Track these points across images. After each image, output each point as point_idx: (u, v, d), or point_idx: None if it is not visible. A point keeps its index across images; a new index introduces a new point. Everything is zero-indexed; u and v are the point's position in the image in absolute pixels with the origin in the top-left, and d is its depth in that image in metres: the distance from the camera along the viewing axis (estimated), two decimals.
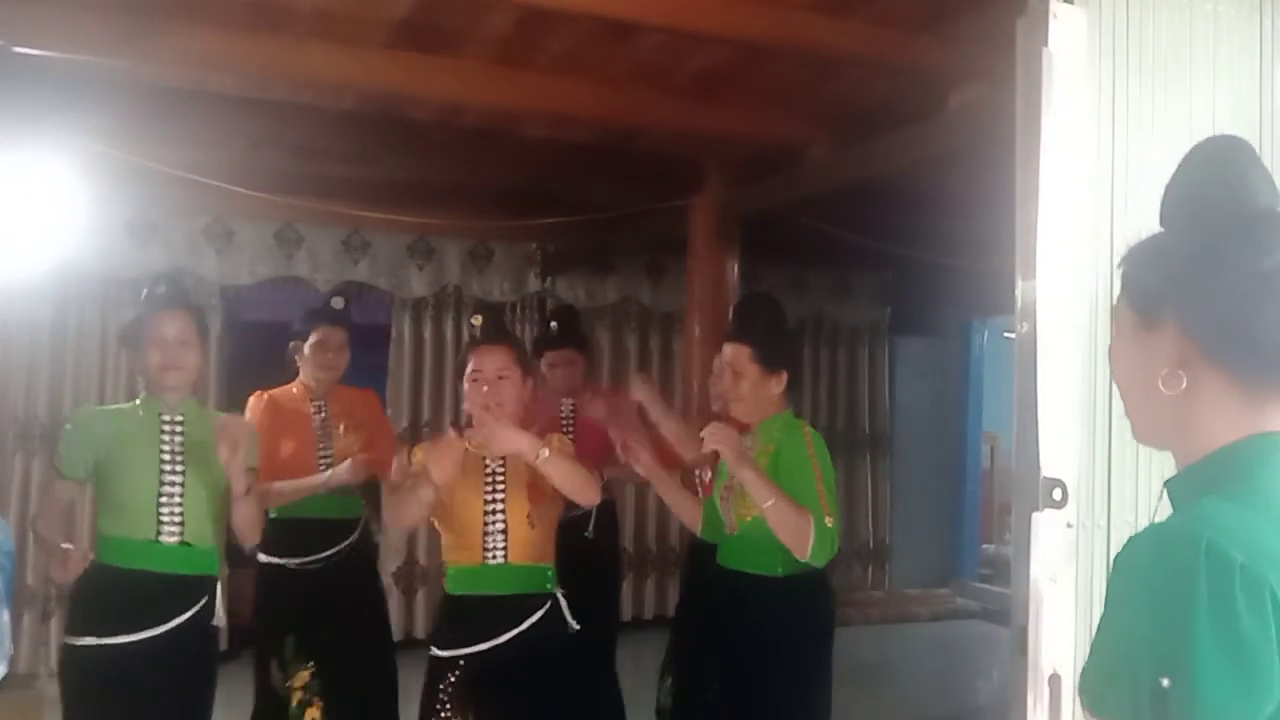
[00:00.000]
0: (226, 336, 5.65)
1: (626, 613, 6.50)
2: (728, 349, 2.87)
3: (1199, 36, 1.94)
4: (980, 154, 2.91)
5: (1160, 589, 0.93)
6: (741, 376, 2.83)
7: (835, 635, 2.84)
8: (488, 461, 2.68)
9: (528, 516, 2.65)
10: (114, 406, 3.03)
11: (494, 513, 2.64)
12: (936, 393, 7.74)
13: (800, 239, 5.62)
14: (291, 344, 3.71)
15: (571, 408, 4.03)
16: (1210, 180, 1.06)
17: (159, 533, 2.69)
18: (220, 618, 2.79)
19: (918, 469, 7.55)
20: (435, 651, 2.66)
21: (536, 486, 2.66)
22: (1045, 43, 1.79)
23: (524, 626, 2.61)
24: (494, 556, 2.63)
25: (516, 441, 2.56)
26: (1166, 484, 1.09)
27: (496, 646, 2.59)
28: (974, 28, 3.04)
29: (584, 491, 2.65)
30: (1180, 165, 1.10)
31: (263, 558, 3.60)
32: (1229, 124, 1.97)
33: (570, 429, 3.97)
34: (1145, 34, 1.89)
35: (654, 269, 6.66)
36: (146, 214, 5.37)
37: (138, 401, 2.85)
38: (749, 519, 2.77)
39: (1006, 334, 6.85)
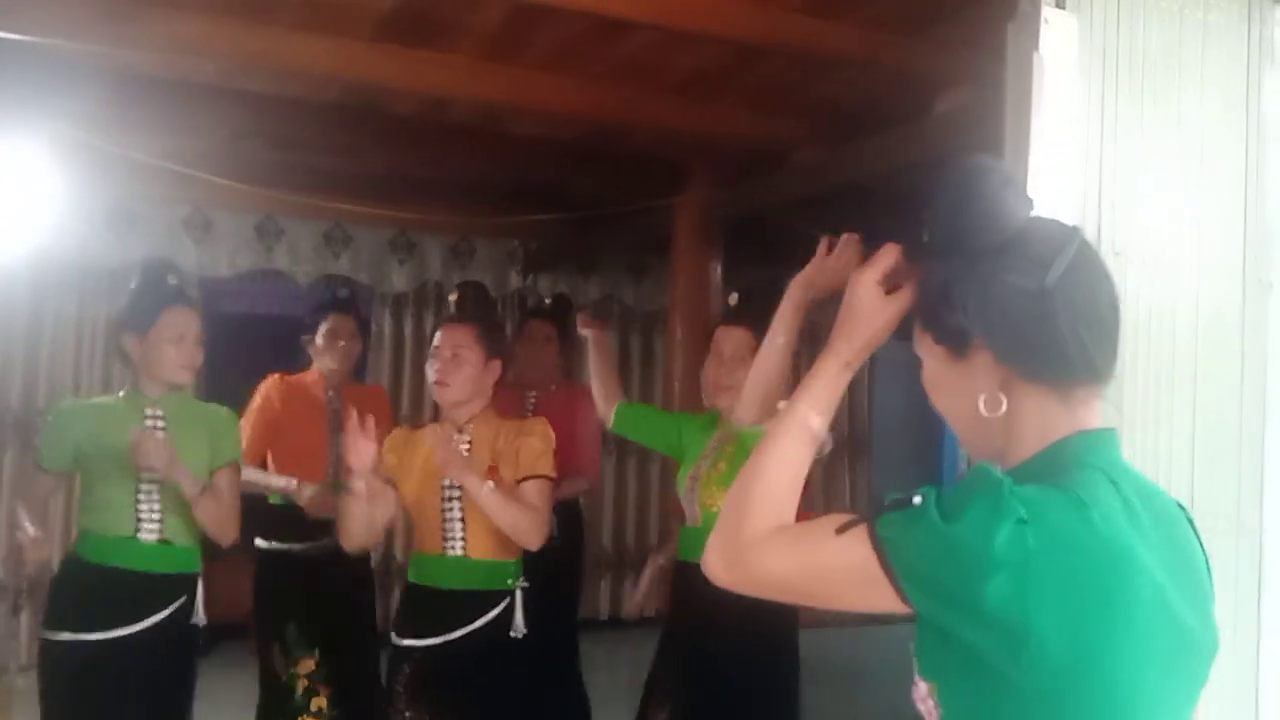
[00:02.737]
0: (205, 329, 5.58)
1: (604, 613, 6.50)
2: (731, 332, 2.83)
3: (1189, 44, 1.94)
4: (966, 158, 2.91)
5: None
6: (741, 361, 2.79)
7: (803, 631, 2.82)
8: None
9: None
10: (96, 400, 2.98)
11: (451, 500, 2.59)
12: (916, 395, 7.71)
13: (783, 240, 5.62)
14: (304, 337, 3.72)
15: (534, 401, 3.93)
16: (970, 207, 1.09)
17: (137, 530, 2.67)
18: (200, 617, 2.75)
19: (897, 472, 7.57)
20: (393, 639, 2.63)
21: (496, 473, 2.58)
22: (1036, 47, 1.79)
23: (477, 624, 2.55)
24: (453, 548, 2.58)
25: (461, 474, 2.47)
26: None
27: (448, 642, 2.54)
28: (962, 32, 3.04)
29: (527, 535, 2.56)
30: (934, 194, 1.12)
31: (261, 544, 3.59)
32: (1217, 130, 1.98)
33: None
34: (1135, 41, 1.90)
35: (636, 268, 6.65)
36: (125, 203, 5.30)
37: (121, 394, 2.81)
38: (715, 509, 2.76)
39: None
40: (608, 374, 3.21)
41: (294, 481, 3.48)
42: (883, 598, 1.01)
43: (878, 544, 1.00)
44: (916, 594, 0.99)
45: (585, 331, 3.39)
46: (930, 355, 1.15)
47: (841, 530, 1.02)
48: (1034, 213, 1.10)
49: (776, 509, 1.11)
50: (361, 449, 2.44)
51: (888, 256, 1.19)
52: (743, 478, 1.14)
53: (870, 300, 1.19)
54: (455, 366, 2.61)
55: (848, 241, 2.51)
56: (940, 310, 1.10)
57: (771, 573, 1.07)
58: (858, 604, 1.04)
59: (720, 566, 1.11)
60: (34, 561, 2.59)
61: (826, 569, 1.04)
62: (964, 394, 1.11)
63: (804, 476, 1.14)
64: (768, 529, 1.08)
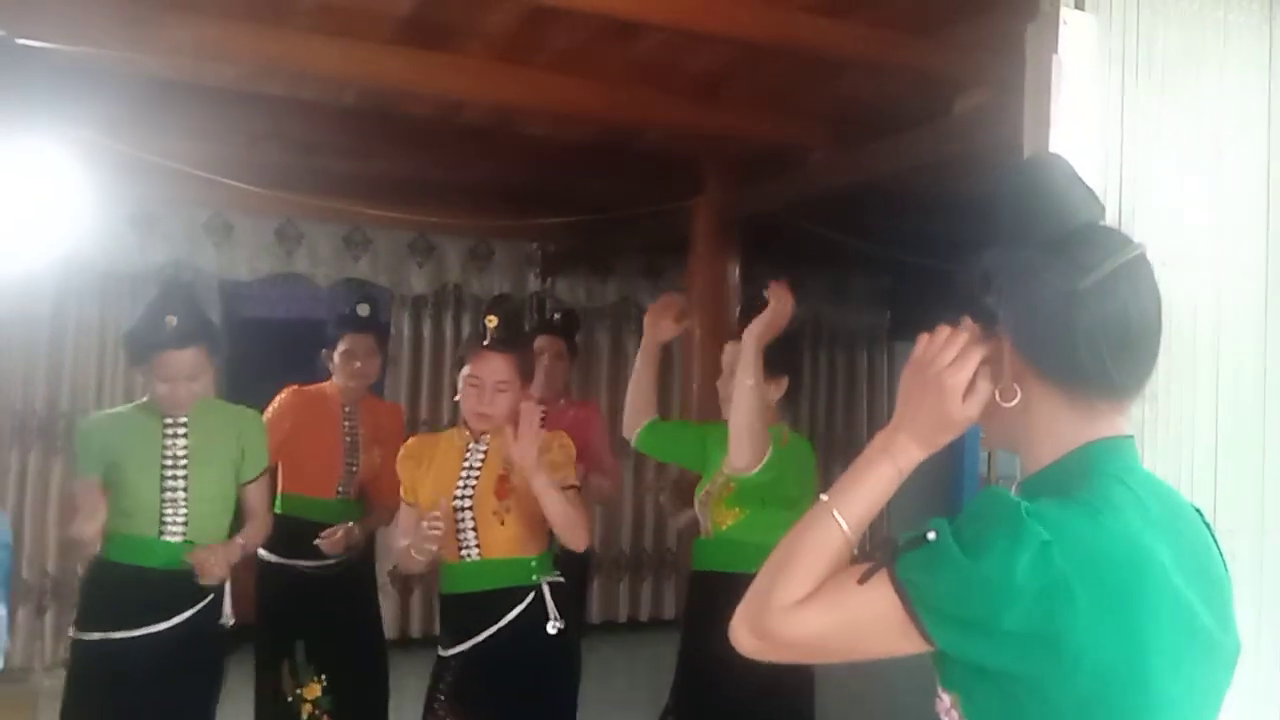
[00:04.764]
0: (225, 332, 5.62)
1: (622, 614, 6.51)
2: (730, 348, 2.84)
3: (1208, 45, 1.93)
4: (983, 159, 2.90)
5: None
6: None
7: None
8: (466, 458, 2.68)
9: (494, 513, 2.62)
10: (117, 410, 3.01)
11: (462, 509, 2.63)
12: None
13: (800, 242, 5.61)
14: (323, 351, 3.69)
15: (543, 416, 3.90)
16: (1030, 199, 1.09)
17: (162, 531, 2.72)
18: (228, 617, 2.80)
19: (915, 476, 7.44)
20: (439, 651, 2.68)
21: (506, 481, 2.62)
22: (1055, 49, 1.78)
23: (503, 622, 2.58)
24: (469, 554, 2.62)
25: (533, 470, 2.50)
26: (1020, 485, 1.15)
27: (479, 644, 2.58)
28: (979, 33, 3.03)
29: (575, 532, 2.60)
30: (1002, 184, 1.12)
31: (266, 555, 3.50)
32: (1236, 132, 1.96)
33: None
34: (1155, 41, 1.88)
35: (653, 270, 6.65)
36: (147, 207, 5.35)
37: (143, 400, 2.84)
38: (724, 527, 2.77)
39: None
40: (650, 386, 2.96)
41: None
42: (908, 641, 1.00)
43: (900, 587, 0.99)
44: (944, 632, 0.98)
45: (661, 324, 2.94)
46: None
47: (863, 580, 1.02)
48: (1101, 219, 1.10)
49: (806, 583, 1.05)
50: None
51: (977, 352, 1.08)
52: (770, 560, 1.10)
53: (955, 395, 1.08)
54: (497, 399, 2.63)
55: (782, 286, 2.60)
56: (977, 288, 1.11)
57: (801, 636, 1.05)
58: (883, 651, 1.03)
59: (748, 637, 1.07)
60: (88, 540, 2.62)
61: (855, 623, 1.03)
62: (986, 379, 1.11)
63: (838, 561, 1.08)
64: (795, 599, 1.05)
